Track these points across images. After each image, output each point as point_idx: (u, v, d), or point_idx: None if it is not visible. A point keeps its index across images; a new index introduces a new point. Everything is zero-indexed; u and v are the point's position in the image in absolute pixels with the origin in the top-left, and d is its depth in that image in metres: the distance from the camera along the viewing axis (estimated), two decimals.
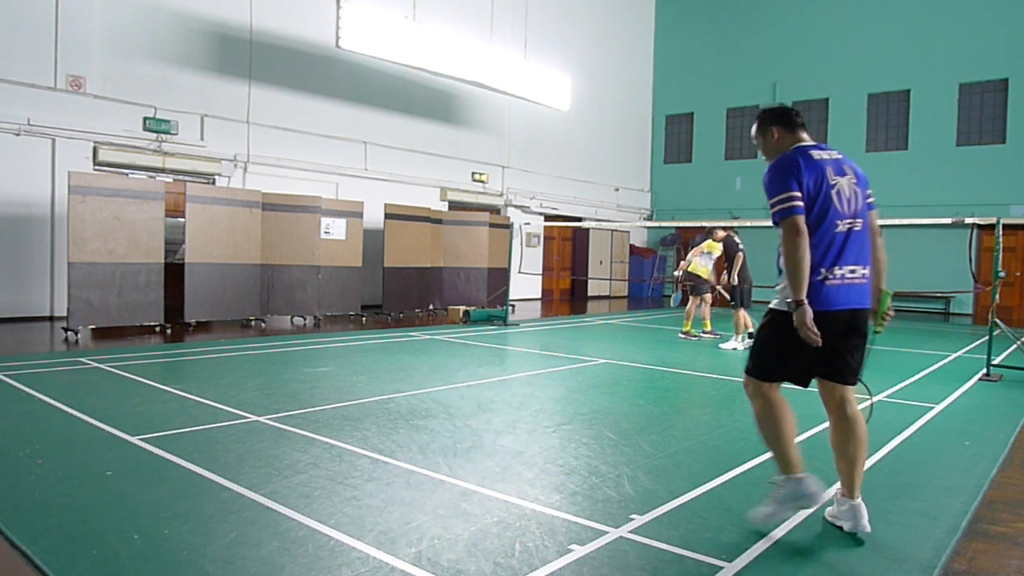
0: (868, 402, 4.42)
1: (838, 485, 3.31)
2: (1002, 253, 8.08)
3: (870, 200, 3.28)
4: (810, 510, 3.30)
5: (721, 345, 10.13)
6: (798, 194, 3.06)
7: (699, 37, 22.59)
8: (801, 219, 3.03)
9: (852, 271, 3.12)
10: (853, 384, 3.21)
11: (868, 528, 3.13)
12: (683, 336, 11.08)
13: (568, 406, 5.84)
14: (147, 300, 9.72)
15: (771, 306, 3.27)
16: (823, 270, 3.08)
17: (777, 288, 3.22)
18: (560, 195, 19.97)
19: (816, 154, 3.25)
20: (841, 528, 3.21)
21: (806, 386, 3.28)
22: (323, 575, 2.65)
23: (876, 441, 4.83)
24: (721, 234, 10.92)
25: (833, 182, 3.14)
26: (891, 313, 3.29)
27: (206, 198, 10.49)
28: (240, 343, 9.06)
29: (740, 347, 9.88)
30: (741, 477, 3.98)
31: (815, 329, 2.98)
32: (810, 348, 3.04)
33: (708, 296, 11.22)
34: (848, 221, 3.12)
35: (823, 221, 3.09)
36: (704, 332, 11.16)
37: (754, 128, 3.59)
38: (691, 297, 11.31)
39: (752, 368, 3.29)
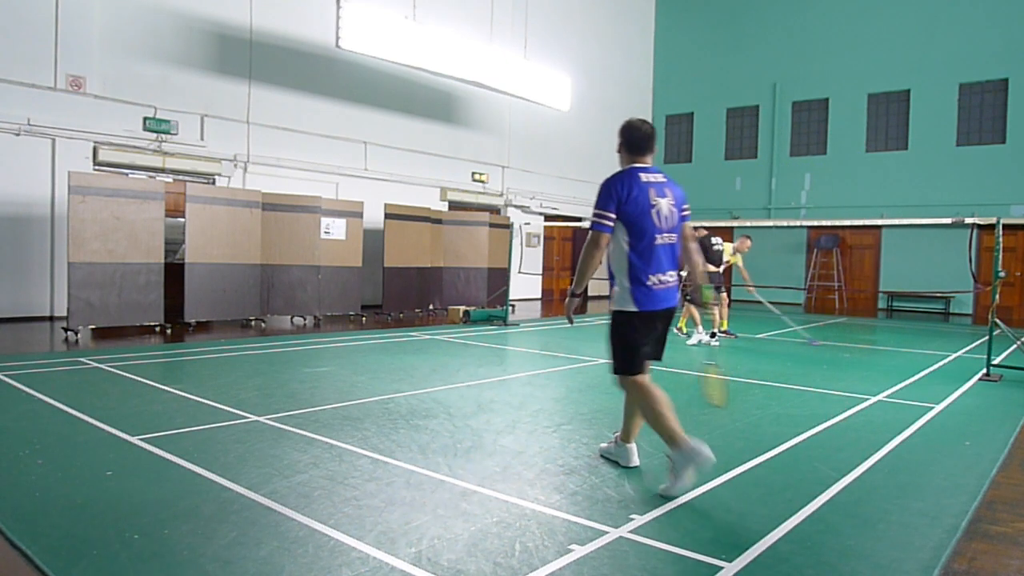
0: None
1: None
2: (1002, 253, 8.07)
3: (685, 214, 3.95)
4: (698, 464, 3.62)
5: (688, 342, 10.22)
6: (612, 215, 3.75)
7: (699, 37, 22.59)
8: (606, 237, 3.78)
9: (668, 277, 3.83)
10: (656, 359, 4.03)
11: (637, 463, 4.08)
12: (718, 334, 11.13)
13: (568, 406, 5.84)
14: (147, 300, 9.72)
15: (611, 309, 3.90)
16: (652, 277, 3.76)
17: (612, 293, 3.88)
18: (560, 195, 19.97)
19: (644, 176, 3.84)
20: (617, 462, 4.14)
21: (644, 370, 3.90)
22: (323, 575, 2.65)
23: (876, 441, 4.84)
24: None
25: (654, 203, 3.76)
26: (715, 302, 4.04)
27: (206, 198, 10.49)
28: (240, 343, 9.06)
29: (705, 338, 10.12)
30: (741, 477, 3.98)
31: (572, 316, 4.10)
32: (650, 337, 3.85)
33: (722, 296, 11.25)
34: (665, 235, 3.79)
35: (645, 235, 3.74)
36: (721, 332, 11.18)
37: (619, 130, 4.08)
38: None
39: (619, 367, 3.93)
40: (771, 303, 11.82)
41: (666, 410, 3.71)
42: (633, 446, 4.12)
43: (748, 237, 11.22)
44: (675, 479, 3.62)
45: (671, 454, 3.64)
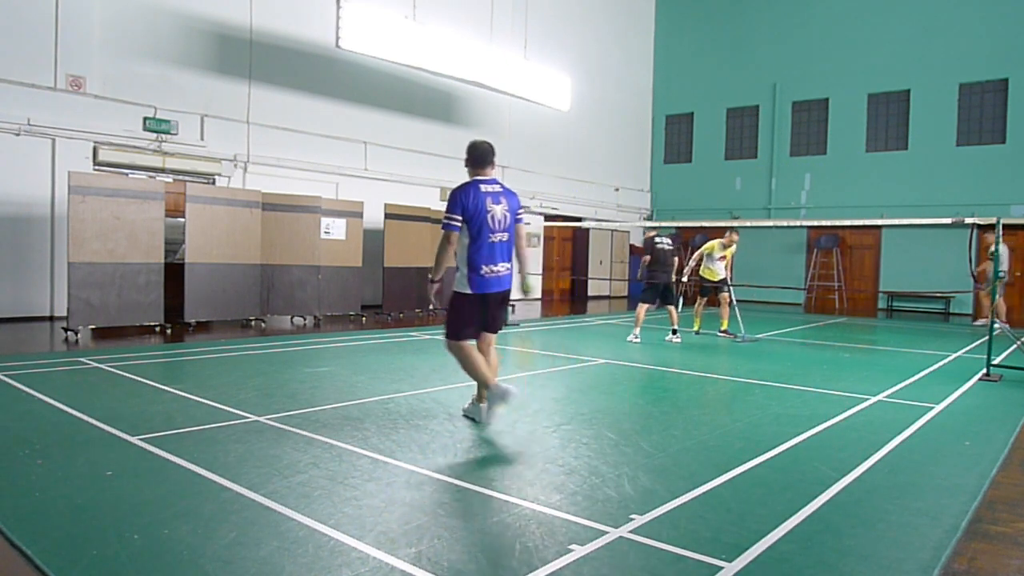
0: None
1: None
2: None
3: (519, 217, 5.00)
4: (499, 408, 4.82)
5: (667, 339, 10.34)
6: (459, 217, 4.71)
7: (699, 37, 22.59)
8: (455, 235, 4.74)
9: (500, 267, 4.88)
10: (495, 333, 5.04)
11: (507, 396, 4.78)
12: (722, 334, 11.21)
13: (568, 406, 5.84)
14: (147, 300, 9.72)
15: (454, 290, 4.89)
16: (484, 267, 4.78)
17: (456, 277, 4.86)
18: (560, 195, 19.97)
19: (483, 187, 4.85)
20: (473, 419, 5.02)
21: (478, 337, 4.92)
22: (323, 575, 2.65)
23: (876, 441, 4.84)
24: (736, 237, 11.11)
25: (489, 209, 4.77)
26: (532, 286, 5.32)
27: (206, 198, 10.49)
28: (240, 343, 9.06)
29: (675, 340, 10.28)
30: (741, 477, 3.98)
31: (433, 296, 4.94)
32: (479, 314, 4.84)
33: (724, 296, 11.28)
34: (498, 235, 4.83)
35: (481, 235, 4.74)
36: (721, 332, 11.21)
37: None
38: (700, 298, 11.59)
39: (451, 334, 4.85)
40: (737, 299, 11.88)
41: (481, 365, 4.81)
42: (487, 405, 4.94)
43: (733, 230, 11.20)
44: (489, 410, 4.85)
45: (487, 394, 4.83)
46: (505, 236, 4.88)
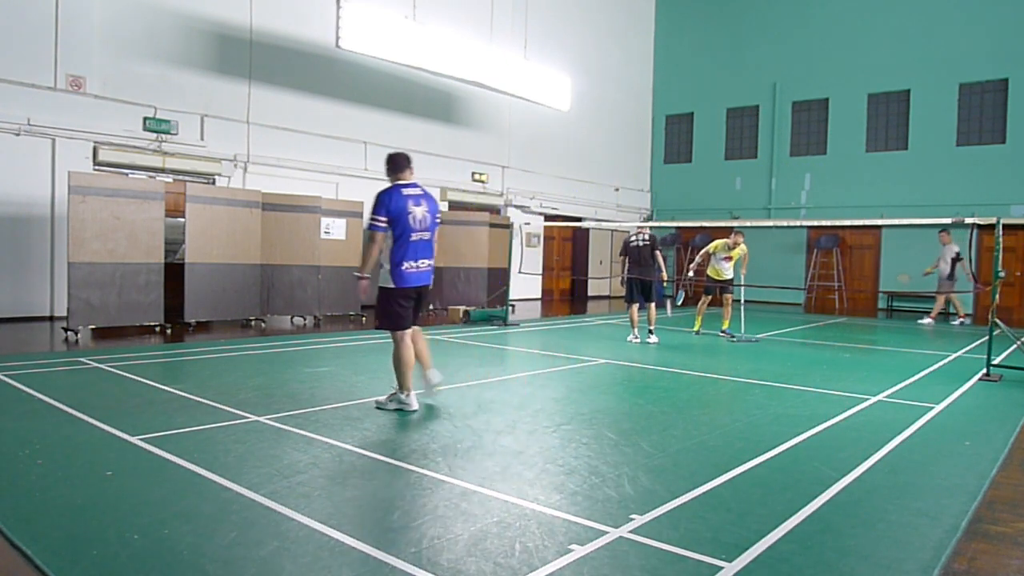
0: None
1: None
2: (1002, 253, 8.07)
3: (438, 220, 5.52)
4: (410, 409, 5.34)
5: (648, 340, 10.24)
6: (384, 219, 5.17)
7: (699, 37, 22.58)
8: (381, 235, 5.19)
9: (422, 263, 5.38)
10: (416, 323, 5.51)
11: (416, 407, 5.32)
12: (722, 334, 11.19)
13: (568, 406, 5.84)
14: (147, 300, 9.72)
15: (379, 286, 5.33)
16: (407, 263, 5.25)
17: (381, 274, 5.30)
18: (560, 195, 19.97)
19: (405, 191, 5.32)
20: (403, 410, 5.37)
21: (407, 327, 5.38)
22: (323, 575, 2.65)
23: (876, 441, 4.84)
24: (741, 239, 11.08)
25: (411, 211, 5.25)
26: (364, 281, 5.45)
27: (206, 198, 10.49)
28: (240, 343, 9.06)
29: (653, 340, 10.16)
30: (741, 477, 3.98)
31: (367, 293, 5.35)
32: (409, 305, 5.31)
33: (728, 296, 11.29)
34: (419, 233, 5.30)
35: (404, 233, 5.21)
36: (721, 332, 11.21)
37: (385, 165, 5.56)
38: (704, 296, 11.61)
39: (392, 326, 5.34)
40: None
41: (407, 365, 5.32)
42: (434, 373, 5.60)
43: (737, 232, 11.21)
44: (387, 403, 5.39)
45: (396, 390, 5.39)
46: (427, 235, 5.40)
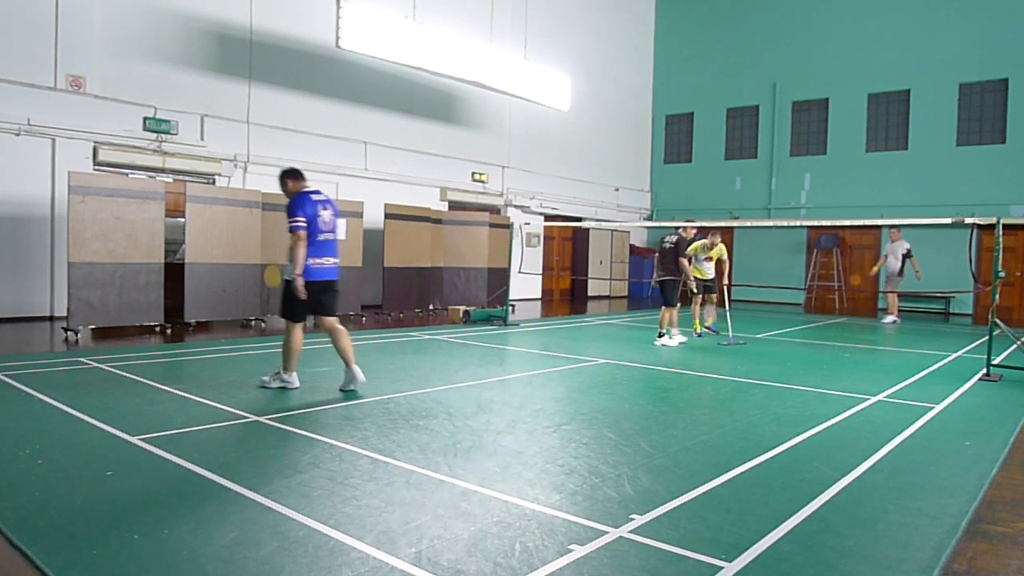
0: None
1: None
2: (1002, 253, 8.07)
3: (339, 221, 6.20)
4: (292, 387, 6.05)
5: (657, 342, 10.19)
6: (303, 219, 5.80)
7: (699, 37, 22.59)
8: (304, 233, 5.79)
9: (327, 260, 6.01)
10: (331, 316, 6.08)
11: (363, 379, 6.03)
12: (705, 332, 11.19)
13: (568, 406, 5.84)
14: (147, 300, 9.72)
15: (284, 279, 5.96)
16: (315, 260, 5.91)
17: (288, 268, 5.86)
18: (560, 195, 19.97)
19: (314, 197, 5.96)
20: (353, 389, 5.99)
21: (305, 320, 6.07)
22: (323, 575, 2.65)
23: (876, 441, 4.84)
24: (718, 239, 11.17)
25: (320, 214, 5.92)
26: (287, 278, 5.96)
27: (206, 198, 10.49)
28: (240, 343, 9.06)
29: (672, 343, 10.08)
30: (741, 477, 3.98)
31: (303, 291, 5.80)
32: (310, 299, 5.86)
33: (712, 296, 11.42)
34: (326, 234, 5.96)
35: (314, 234, 5.87)
36: (702, 329, 11.25)
37: (279, 179, 6.14)
38: (696, 297, 11.51)
39: (289, 315, 5.99)
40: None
41: (294, 352, 6.03)
42: (357, 368, 6.07)
43: (714, 232, 11.25)
44: (270, 382, 6.07)
45: (282, 371, 6.06)
46: (332, 235, 6.04)
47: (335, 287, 6.14)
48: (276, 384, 6.06)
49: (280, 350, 6.22)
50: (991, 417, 5.80)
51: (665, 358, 8.76)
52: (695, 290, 11.27)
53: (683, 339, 10.28)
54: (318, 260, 5.94)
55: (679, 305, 10.38)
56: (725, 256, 11.73)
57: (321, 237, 5.93)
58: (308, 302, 5.88)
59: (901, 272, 14.62)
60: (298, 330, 6.04)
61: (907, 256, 14.52)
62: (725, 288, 11.78)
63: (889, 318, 14.85)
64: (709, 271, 11.29)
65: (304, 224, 5.80)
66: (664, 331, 10.16)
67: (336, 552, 2.85)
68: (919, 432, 5.17)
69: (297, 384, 6.08)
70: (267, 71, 13.21)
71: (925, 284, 17.85)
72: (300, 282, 5.79)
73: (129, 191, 9.58)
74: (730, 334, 10.91)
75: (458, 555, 2.84)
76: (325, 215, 5.97)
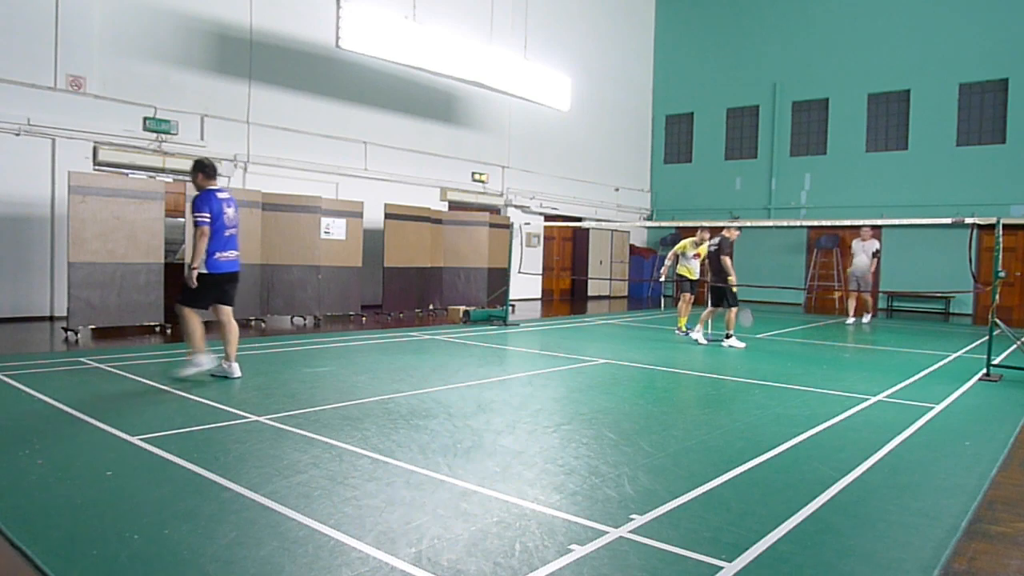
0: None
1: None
2: (1002, 253, 8.07)
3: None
4: (206, 368, 6.39)
5: (693, 335, 10.33)
6: (208, 215, 6.23)
7: (699, 37, 22.59)
8: (207, 228, 6.22)
9: (231, 254, 6.47)
10: (230, 306, 6.56)
11: (239, 373, 6.49)
12: (680, 333, 11.12)
13: (568, 406, 5.84)
14: (147, 300, 9.72)
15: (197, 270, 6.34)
16: (219, 253, 6.35)
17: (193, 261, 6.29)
18: (560, 195, 19.97)
19: (218, 195, 6.39)
20: (227, 376, 6.42)
21: (207, 308, 6.45)
22: (323, 575, 2.65)
23: (876, 441, 4.84)
24: (707, 236, 11.09)
25: (224, 211, 6.37)
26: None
27: None
28: (240, 343, 9.04)
29: (741, 344, 10.07)
30: (741, 477, 3.98)
31: (194, 281, 6.24)
32: (213, 289, 6.37)
33: (688, 295, 11.33)
34: (230, 230, 6.44)
35: (219, 229, 6.32)
36: (678, 330, 11.17)
37: (191, 170, 6.55)
38: (684, 295, 11.45)
39: (187, 302, 6.34)
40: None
41: (198, 334, 6.34)
42: (236, 365, 6.51)
43: (703, 229, 11.22)
44: (187, 368, 6.37)
45: (193, 355, 6.35)
46: (235, 231, 6.54)
47: (237, 278, 6.64)
48: (191, 371, 6.37)
49: (207, 342, 6.51)
50: (991, 417, 5.80)
51: (665, 358, 8.76)
52: (735, 289, 11.02)
53: (742, 344, 10.26)
54: (224, 253, 6.41)
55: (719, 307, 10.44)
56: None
57: (227, 232, 6.42)
58: (215, 291, 6.40)
59: (877, 270, 14.38)
60: (194, 315, 6.39)
61: (875, 255, 14.19)
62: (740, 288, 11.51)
63: (866, 316, 14.65)
64: (697, 270, 11.14)
65: (208, 220, 6.23)
66: (731, 332, 10.15)
67: (336, 552, 2.85)
68: (919, 432, 5.17)
69: (238, 373, 6.47)
70: (267, 71, 13.20)
71: (926, 284, 17.87)
72: (195, 273, 6.27)
73: (129, 191, 9.58)
74: (708, 332, 10.96)
75: (458, 555, 2.84)
76: (229, 212, 6.45)
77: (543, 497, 3.56)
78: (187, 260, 6.54)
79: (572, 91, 17.66)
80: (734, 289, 10.38)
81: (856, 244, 14.38)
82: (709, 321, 11.33)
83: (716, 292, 10.41)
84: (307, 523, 3.13)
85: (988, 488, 3.94)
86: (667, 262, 11.51)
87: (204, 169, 6.48)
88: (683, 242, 11.15)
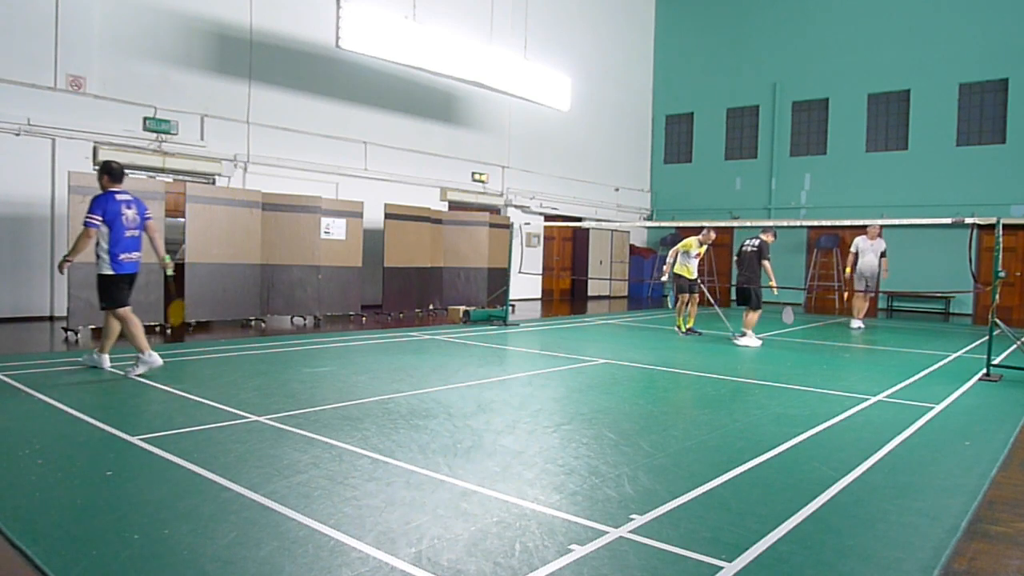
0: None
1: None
2: (1002, 253, 8.07)
3: (148, 218, 6.83)
4: (156, 366, 6.62)
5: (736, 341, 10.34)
6: (98, 218, 6.39)
7: (699, 37, 22.59)
8: (93, 231, 6.39)
9: (133, 255, 6.68)
10: (128, 305, 6.67)
11: (160, 362, 6.65)
12: (683, 333, 11.16)
13: (568, 406, 5.84)
14: (147, 300, 9.70)
15: (99, 274, 6.57)
16: (121, 255, 6.54)
17: (100, 264, 6.54)
18: (560, 195, 19.97)
19: (118, 196, 6.58)
20: (98, 367, 6.74)
21: (127, 305, 6.63)
22: (323, 575, 2.65)
23: (876, 441, 4.84)
24: (712, 235, 11.22)
25: (123, 212, 6.55)
26: (169, 264, 7.15)
27: (206, 198, 10.49)
28: (240, 343, 9.06)
29: (755, 344, 10.16)
30: (741, 477, 3.98)
31: (64, 271, 6.76)
32: (126, 287, 6.64)
33: (693, 296, 11.32)
34: (131, 231, 6.61)
35: (118, 231, 6.50)
36: (689, 330, 11.19)
37: (98, 170, 6.71)
38: (679, 296, 11.40)
39: (115, 304, 6.57)
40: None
41: (138, 331, 6.54)
42: (107, 356, 6.79)
43: (711, 228, 11.25)
44: (136, 368, 6.50)
45: (139, 356, 6.51)
46: (136, 232, 6.68)
47: (135, 279, 6.84)
48: (142, 368, 6.53)
49: (134, 339, 6.65)
50: (991, 417, 5.80)
51: (665, 358, 8.76)
52: (775, 289, 10.81)
53: (758, 342, 10.33)
54: (128, 255, 6.61)
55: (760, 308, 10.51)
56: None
57: (127, 234, 6.58)
58: (120, 290, 6.63)
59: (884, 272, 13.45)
60: (128, 312, 6.58)
61: (883, 255, 13.37)
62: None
63: (856, 323, 13.52)
64: (696, 270, 11.18)
65: (98, 222, 6.40)
66: (746, 331, 10.26)
67: (336, 552, 2.85)
68: (919, 432, 5.17)
69: (159, 361, 6.63)
70: (267, 71, 13.21)
71: (926, 284, 17.87)
72: (68, 266, 6.65)
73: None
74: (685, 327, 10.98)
75: (458, 555, 2.84)
76: (129, 214, 6.60)
77: (543, 497, 3.56)
78: (66, 254, 6.72)
79: (572, 91, 17.66)
80: (775, 290, 10.50)
81: (863, 243, 13.45)
82: (686, 313, 11.29)
83: (743, 293, 10.48)
84: (307, 523, 3.13)
85: (988, 488, 3.93)
86: (668, 260, 11.46)
87: (110, 172, 6.64)
88: (688, 240, 11.14)
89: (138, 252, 6.74)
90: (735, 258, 10.77)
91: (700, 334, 11.16)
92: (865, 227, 13.63)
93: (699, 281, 11.32)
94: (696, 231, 11.21)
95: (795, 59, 20.52)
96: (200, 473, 3.78)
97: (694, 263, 11.09)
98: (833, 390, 6.72)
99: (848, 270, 13.73)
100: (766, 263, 10.32)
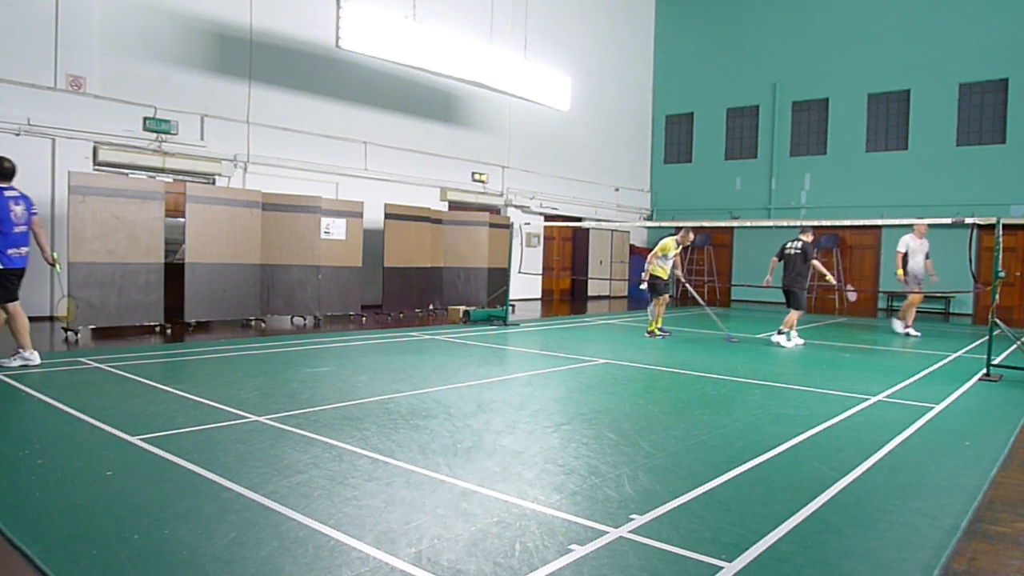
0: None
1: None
2: (1002, 253, 8.07)
3: (34, 213, 6.89)
4: (34, 364, 6.80)
5: (776, 340, 10.54)
6: None
7: (699, 37, 22.59)
8: None
9: (23, 250, 6.74)
10: (16, 300, 6.80)
11: (39, 361, 6.85)
12: (649, 335, 10.97)
13: (568, 406, 5.84)
14: (147, 300, 9.72)
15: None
16: (12, 250, 6.63)
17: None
18: (560, 195, 19.97)
19: (7, 193, 6.64)
20: (28, 363, 6.77)
21: (17, 299, 6.79)
22: (323, 575, 2.65)
23: (876, 441, 4.84)
24: (691, 236, 11.28)
25: (12, 209, 6.61)
26: (57, 260, 7.17)
27: (206, 198, 10.49)
28: (240, 343, 9.06)
29: (788, 344, 10.30)
30: (741, 477, 3.98)
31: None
32: (16, 281, 6.73)
33: (665, 297, 11.21)
34: (20, 227, 6.68)
35: (7, 227, 6.56)
36: (659, 330, 11.02)
37: None
38: (655, 297, 11.16)
39: (6, 299, 6.69)
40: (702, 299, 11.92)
41: (25, 327, 6.79)
42: (35, 352, 6.90)
43: (688, 229, 11.19)
44: (11, 361, 6.71)
45: (21, 352, 6.78)
46: (24, 228, 6.76)
47: (24, 273, 6.90)
48: (18, 362, 6.72)
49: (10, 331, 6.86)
50: (991, 417, 5.80)
51: (665, 358, 8.76)
52: (804, 290, 10.71)
53: (801, 341, 10.45)
54: (16, 250, 6.71)
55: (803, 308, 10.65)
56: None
57: (16, 229, 6.67)
58: (15, 284, 6.76)
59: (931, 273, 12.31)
60: (17, 308, 6.77)
61: (927, 257, 12.25)
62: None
63: (901, 324, 12.52)
64: (669, 270, 11.09)
65: None
66: (785, 331, 10.40)
67: (336, 552, 2.85)
68: (919, 432, 5.17)
69: (38, 360, 6.80)
70: (267, 71, 13.21)
71: (926, 284, 17.85)
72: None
73: (129, 191, 9.58)
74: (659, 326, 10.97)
75: (458, 555, 2.84)
76: (18, 210, 6.69)
77: (543, 497, 3.56)
78: None
79: (572, 91, 17.66)
80: (838, 286, 10.57)
81: (913, 242, 12.11)
82: (661, 313, 11.14)
83: (790, 294, 10.63)
84: (307, 523, 3.13)
85: (988, 488, 3.93)
86: (647, 265, 11.10)
87: (0, 169, 6.75)
88: (666, 242, 10.91)
89: (26, 247, 6.81)
90: (777, 259, 10.77)
91: (669, 334, 11.04)
92: (911, 225, 12.00)
93: (669, 282, 11.29)
94: (697, 231, 11.15)
95: (795, 59, 20.53)
96: (200, 473, 3.78)
97: (669, 264, 10.99)
98: (833, 390, 6.71)
99: (900, 272, 12.26)
100: (815, 263, 10.55)
